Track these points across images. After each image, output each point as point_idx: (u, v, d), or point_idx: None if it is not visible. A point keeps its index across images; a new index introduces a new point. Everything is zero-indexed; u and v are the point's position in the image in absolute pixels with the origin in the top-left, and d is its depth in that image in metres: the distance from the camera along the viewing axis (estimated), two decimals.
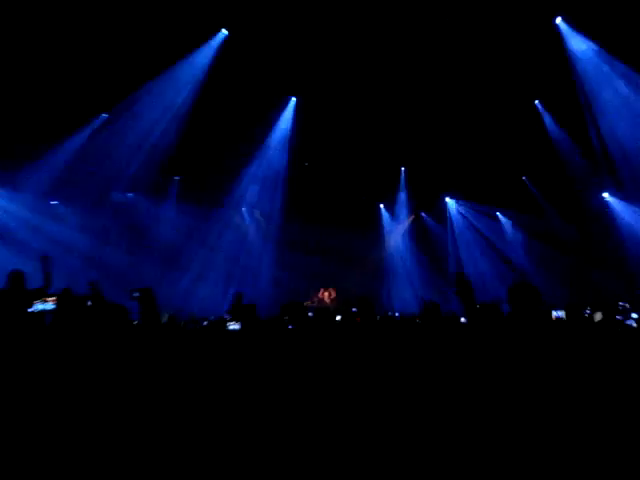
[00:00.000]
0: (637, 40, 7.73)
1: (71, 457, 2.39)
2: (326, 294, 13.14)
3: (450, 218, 13.05)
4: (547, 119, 10.05)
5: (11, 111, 8.23)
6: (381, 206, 13.52)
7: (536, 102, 10.07)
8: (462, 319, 5.46)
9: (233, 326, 5.32)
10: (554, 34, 8.47)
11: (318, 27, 8.09)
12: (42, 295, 4.16)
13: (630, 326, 6.42)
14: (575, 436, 2.40)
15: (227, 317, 5.45)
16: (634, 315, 7.49)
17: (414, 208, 12.88)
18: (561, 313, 6.27)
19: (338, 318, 5.08)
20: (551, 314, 6.17)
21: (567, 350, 2.88)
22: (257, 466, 2.57)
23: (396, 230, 13.06)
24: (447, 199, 13.08)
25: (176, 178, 11.55)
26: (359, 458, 2.59)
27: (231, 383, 3.28)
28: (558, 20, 8.38)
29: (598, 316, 6.04)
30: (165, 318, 6.41)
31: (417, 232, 13.23)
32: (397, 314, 8.78)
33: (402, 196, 12.45)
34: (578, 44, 8.58)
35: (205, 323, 7.26)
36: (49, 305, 4.11)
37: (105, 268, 9.65)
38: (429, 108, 9.58)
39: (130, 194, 11.11)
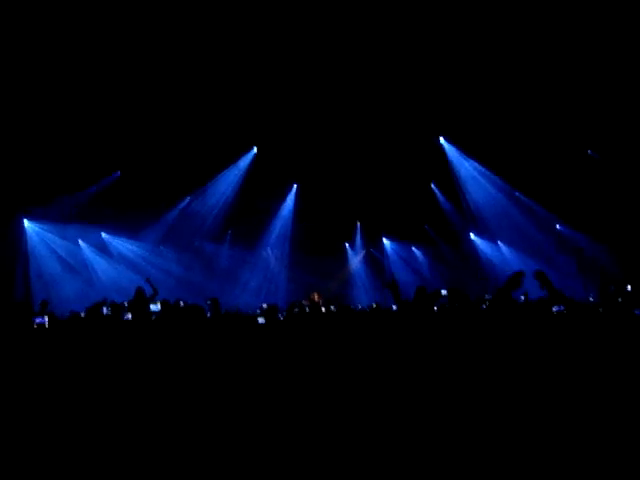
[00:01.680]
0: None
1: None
2: (315, 296, 17.11)
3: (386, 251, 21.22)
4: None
5: None
6: (346, 244, 21.12)
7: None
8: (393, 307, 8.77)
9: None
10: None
11: None
12: (152, 300, 7.36)
13: None
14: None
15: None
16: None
17: (366, 245, 20.87)
18: None
19: (323, 310, 8.36)
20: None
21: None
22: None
23: (355, 259, 20.88)
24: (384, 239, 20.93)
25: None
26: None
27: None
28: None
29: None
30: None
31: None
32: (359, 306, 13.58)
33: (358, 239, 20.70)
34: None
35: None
36: (157, 307, 7.30)
37: (189, 285, 15.88)
38: None
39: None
